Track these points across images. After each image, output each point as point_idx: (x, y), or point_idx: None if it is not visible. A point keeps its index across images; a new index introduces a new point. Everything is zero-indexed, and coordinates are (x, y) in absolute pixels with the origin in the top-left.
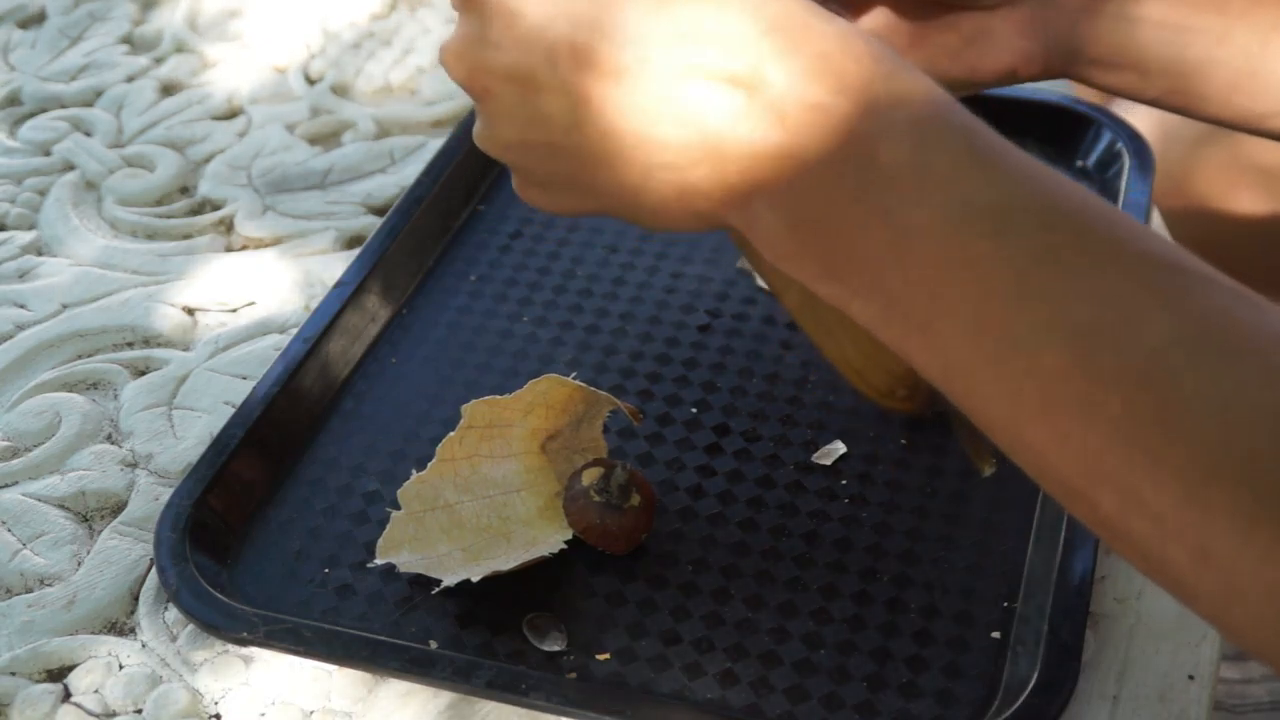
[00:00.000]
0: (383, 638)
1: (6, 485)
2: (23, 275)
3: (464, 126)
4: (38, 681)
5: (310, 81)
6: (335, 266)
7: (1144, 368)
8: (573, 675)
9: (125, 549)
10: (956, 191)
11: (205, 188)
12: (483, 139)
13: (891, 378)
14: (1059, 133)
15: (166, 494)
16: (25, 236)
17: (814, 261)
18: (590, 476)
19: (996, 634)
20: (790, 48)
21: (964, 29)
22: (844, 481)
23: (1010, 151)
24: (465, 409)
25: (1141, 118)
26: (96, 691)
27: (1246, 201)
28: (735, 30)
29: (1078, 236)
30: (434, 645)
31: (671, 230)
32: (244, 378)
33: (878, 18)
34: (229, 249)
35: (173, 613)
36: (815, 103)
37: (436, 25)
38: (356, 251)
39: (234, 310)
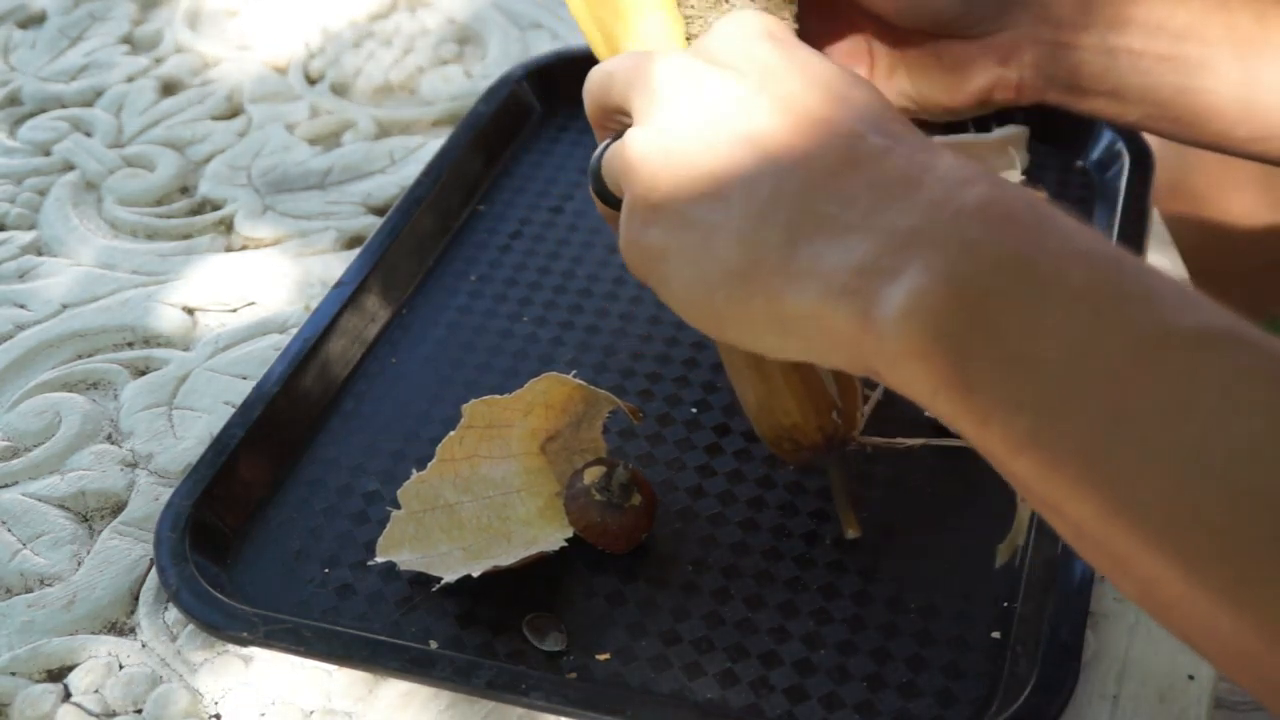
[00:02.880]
0: (383, 638)
1: (6, 485)
2: (23, 275)
3: (464, 126)
4: (38, 681)
5: (310, 81)
6: (335, 266)
7: None
8: (573, 675)
9: (125, 549)
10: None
11: (205, 188)
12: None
13: (777, 430)
14: (1059, 132)
15: (166, 494)
16: (25, 236)
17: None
18: (592, 475)
19: (996, 634)
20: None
21: (945, 56)
22: None
23: None
24: (465, 409)
25: None
26: (96, 691)
27: (1246, 202)
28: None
29: None
30: (434, 645)
31: (759, 343)
32: (244, 378)
33: (861, 43)
34: (229, 249)
35: (173, 613)
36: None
37: (436, 25)
38: (356, 251)
39: (234, 310)
